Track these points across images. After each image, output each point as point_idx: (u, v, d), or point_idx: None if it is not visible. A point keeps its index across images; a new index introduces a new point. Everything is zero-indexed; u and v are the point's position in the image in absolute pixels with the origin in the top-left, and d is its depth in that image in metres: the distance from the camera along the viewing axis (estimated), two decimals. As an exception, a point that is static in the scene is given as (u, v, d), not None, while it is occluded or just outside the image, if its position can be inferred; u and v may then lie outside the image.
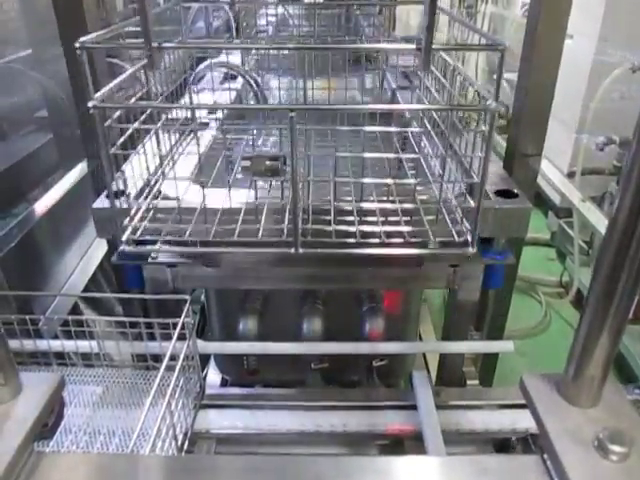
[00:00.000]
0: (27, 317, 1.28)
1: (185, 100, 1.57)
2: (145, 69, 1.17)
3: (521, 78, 1.71)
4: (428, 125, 1.48)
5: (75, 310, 1.80)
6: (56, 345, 1.35)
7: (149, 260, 1.44)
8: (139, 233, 1.14)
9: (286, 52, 1.87)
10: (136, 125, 1.13)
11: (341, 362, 1.63)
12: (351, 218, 1.21)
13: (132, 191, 1.24)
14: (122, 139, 1.08)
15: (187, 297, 1.27)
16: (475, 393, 1.54)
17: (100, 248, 1.90)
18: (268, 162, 1.13)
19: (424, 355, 2.13)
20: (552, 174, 1.91)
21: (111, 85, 1.05)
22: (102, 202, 1.35)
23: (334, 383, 1.75)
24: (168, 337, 1.22)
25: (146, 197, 1.23)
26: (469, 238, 1.11)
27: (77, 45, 0.97)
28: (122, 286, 1.58)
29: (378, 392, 1.50)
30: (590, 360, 0.69)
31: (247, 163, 1.13)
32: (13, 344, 1.19)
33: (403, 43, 1.61)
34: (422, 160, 1.47)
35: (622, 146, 3.02)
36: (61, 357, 1.38)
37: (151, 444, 1.01)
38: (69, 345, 1.35)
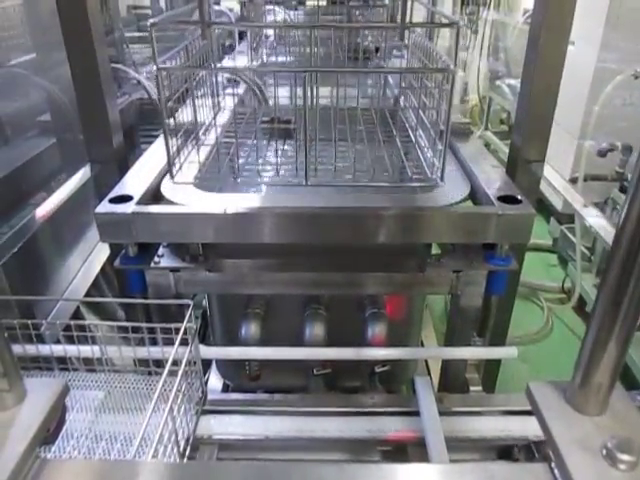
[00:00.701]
0: (29, 322, 1.28)
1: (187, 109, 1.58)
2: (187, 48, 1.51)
3: (524, 84, 1.71)
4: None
5: (77, 315, 1.79)
6: (58, 350, 1.35)
7: (152, 265, 1.44)
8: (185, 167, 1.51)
9: (291, 59, 2.07)
10: (186, 85, 1.50)
11: (343, 368, 1.63)
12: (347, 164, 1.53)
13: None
14: (176, 95, 1.42)
15: (189, 302, 1.27)
16: (478, 399, 1.54)
17: (102, 252, 1.90)
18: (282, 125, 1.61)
19: (426, 361, 2.12)
20: (554, 180, 1.90)
21: (173, 52, 1.46)
22: (105, 206, 1.36)
23: (336, 389, 1.74)
24: (170, 342, 1.22)
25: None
26: (439, 174, 1.42)
27: (150, 22, 1.27)
28: (124, 291, 1.58)
29: (380, 398, 1.49)
30: (597, 368, 0.68)
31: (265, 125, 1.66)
32: (15, 349, 1.19)
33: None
34: (401, 114, 1.91)
35: (624, 152, 3.02)
36: (63, 362, 1.38)
37: (153, 450, 1.01)
38: (71, 350, 1.35)
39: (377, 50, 2.57)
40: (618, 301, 0.64)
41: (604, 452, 0.65)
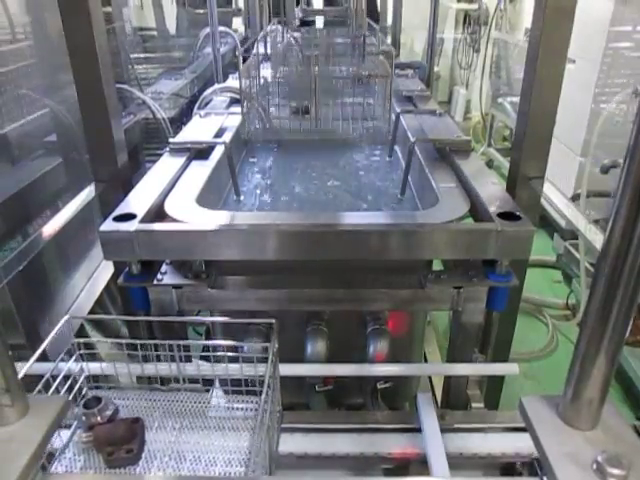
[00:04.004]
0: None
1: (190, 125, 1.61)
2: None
3: (523, 101, 1.73)
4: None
5: (81, 332, 1.80)
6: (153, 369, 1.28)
7: (154, 282, 1.45)
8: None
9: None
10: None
11: (345, 384, 1.63)
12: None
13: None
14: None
15: (272, 321, 1.26)
16: (480, 416, 1.53)
17: (107, 270, 1.91)
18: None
19: (430, 377, 2.12)
20: (556, 197, 1.91)
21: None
22: (108, 225, 1.38)
23: (338, 406, 1.74)
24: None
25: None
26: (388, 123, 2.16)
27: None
28: (128, 308, 1.59)
29: (382, 415, 1.49)
30: (588, 382, 0.69)
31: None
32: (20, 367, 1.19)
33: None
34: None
35: (626, 169, 3.02)
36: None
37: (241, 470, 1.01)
38: (149, 368, 1.29)
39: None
40: (606, 316, 0.65)
41: (594, 466, 0.66)
